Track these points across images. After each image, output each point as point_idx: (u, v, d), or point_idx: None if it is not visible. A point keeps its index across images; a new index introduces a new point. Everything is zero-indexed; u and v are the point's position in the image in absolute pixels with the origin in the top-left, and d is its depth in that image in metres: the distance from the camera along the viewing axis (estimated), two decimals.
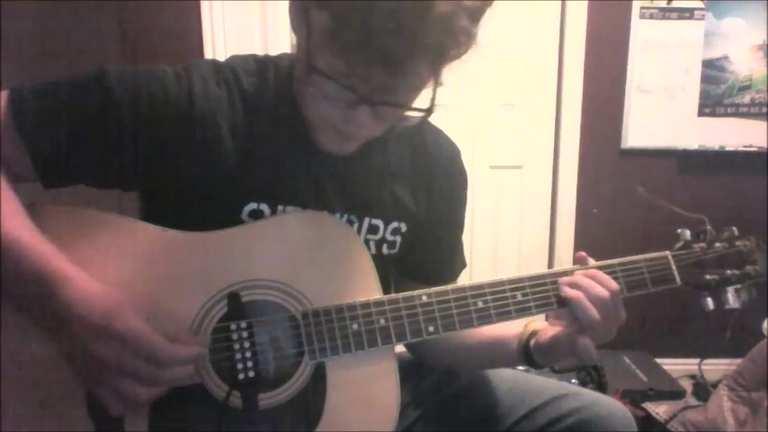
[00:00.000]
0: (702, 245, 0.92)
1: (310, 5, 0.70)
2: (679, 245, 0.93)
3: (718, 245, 0.92)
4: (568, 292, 0.85)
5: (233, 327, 0.80)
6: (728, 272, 0.91)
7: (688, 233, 0.92)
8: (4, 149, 0.77)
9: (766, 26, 2.32)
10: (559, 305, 0.86)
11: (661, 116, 2.39)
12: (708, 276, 0.90)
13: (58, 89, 0.79)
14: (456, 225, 1.02)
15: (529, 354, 0.90)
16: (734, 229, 0.93)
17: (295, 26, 0.76)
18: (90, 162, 0.80)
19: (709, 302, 0.90)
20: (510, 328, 0.92)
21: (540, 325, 0.91)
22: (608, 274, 0.87)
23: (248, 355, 0.80)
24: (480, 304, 0.85)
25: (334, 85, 0.72)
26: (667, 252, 0.91)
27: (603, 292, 0.83)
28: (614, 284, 0.84)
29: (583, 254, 0.89)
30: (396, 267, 1.02)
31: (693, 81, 2.37)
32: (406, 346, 1.02)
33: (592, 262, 0.88)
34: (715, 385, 2.08)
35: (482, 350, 0.95)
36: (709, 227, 0.92)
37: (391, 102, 0.74)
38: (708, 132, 2.40)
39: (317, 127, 0.83)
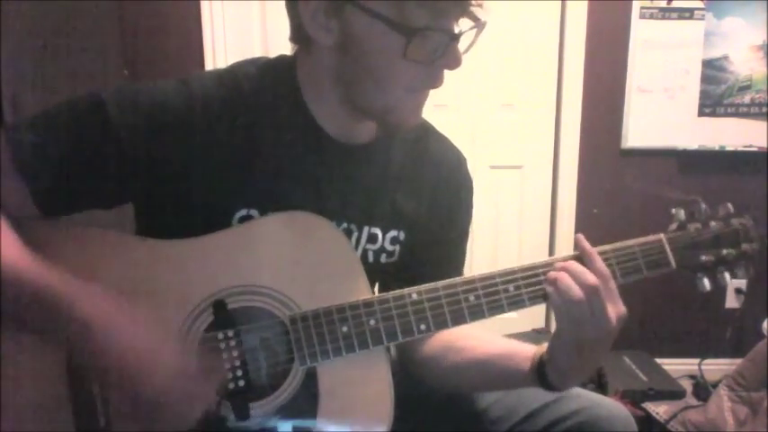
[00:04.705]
0: (698, 225, 0.88)
1: None
2: (673, 226, 0.89)
3: (713, 224, 0.89)
4: (546, 287, 0.81)
5: (220, 336, 0.79)
6: (724, 251, 0.88)
7: (683, 213, 0.89)
8: (3, 189, 0.75)
9: (766, 26, 2.32)
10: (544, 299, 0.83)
11: (661, 116, 2.39)
12: (703, 257, 0.87)
13: (54, 120, 0.78)
14: (460, 234, 1.01)
15: (543, 373, 0.84)
16: (729, 205, 0.90)
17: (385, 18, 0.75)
18: (92, 188, 0.79)
19: (706, 283, 0.87)
20: (523, 350, 0.88)
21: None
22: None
23: (237, 363, 0.79)
24: (472, 299, 0.83)
25: (431, 35, 0.75)
26: (662, 234, 0.87)
27: (576, 289, 0.78)
28: (591, 279, 0.78)
29: (579, 236, 0.84)
30: (395, 275, 1.01)
31: (693, 81, 2.36)
32: (405, 368, 0.98)
33: (587, 247, 0.82)
34: (715, 385, 2.08)
35: (491, 369, 0.90)
36: (703, 205, 0.89)
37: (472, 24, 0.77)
38: (708, 132, 2.39)
39: (390, 111, 0.82)
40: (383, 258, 0.93)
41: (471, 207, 1.02)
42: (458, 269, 1.00)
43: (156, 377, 0.70)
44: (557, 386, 0.84)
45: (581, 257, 0.82)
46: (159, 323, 0.73)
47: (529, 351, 0.87)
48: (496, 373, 0.90)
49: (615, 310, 0.78)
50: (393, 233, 0.92)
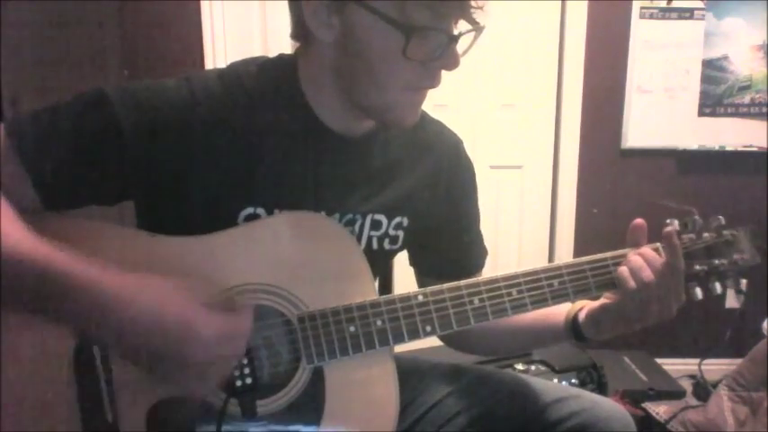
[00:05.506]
0: (692, 236, 0.91)
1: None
2: None
3: (706, 235, 0.91)
4: (618, 268, 0.87)
5: None
6: (716, 261, 0.90)
7: (677, 223, 0.91)
8: (5, 181, 0.74)
9: (766, 26, 2.32)
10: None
11: (661, 116, 2.39)
12: (697, 267, 0.89)
13: (59, 114, 0.78)
14: (467, 216, 1.03)
15: (577, 328, 0.91)
16: (720, 218, 0.92)
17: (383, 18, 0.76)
18: (94, 182, 0.79)
19: (699, 292, 0.89)
20: (556, 312, 0.94)
21: (588, 302, 0.92)
22: (599, 267, 0.88)
23: (244, 361, 0.79)
24: (477, 302, 0.85)
25: (431, 34, 0.76)
26: (658, 244, 0.89)
27: (647, 272, 0.84)
28: (660, 264, 0.85)
29: (671, 230, 0.87)
30: (415, 267, 1.03)
31: (693, 81, 2.37)
32: (442, 338, 1.01)
33: (676, 243, 0.85)
34: (715, 385, 2.08)
35: (528, 332, 0.97)
36: (697, 217, 0.91)
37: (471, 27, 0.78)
38: (708, 132, 2.40)
39: (388, 110, 0.83)
40: (387, 245, 0.93)
41: (475, 188, 1.03)
42: (473, 251, 1.03)
43: (199, 340, 0.69)
44: (587, 340, 0.92)
45: (661, 248, 0.87)
46: (183, 286, 0.72)
47: (561, 313, 0.94)
48: (537, 334, 0.98)
49: (678, 299, 0.86)
50: (397, 219, 0.93)
